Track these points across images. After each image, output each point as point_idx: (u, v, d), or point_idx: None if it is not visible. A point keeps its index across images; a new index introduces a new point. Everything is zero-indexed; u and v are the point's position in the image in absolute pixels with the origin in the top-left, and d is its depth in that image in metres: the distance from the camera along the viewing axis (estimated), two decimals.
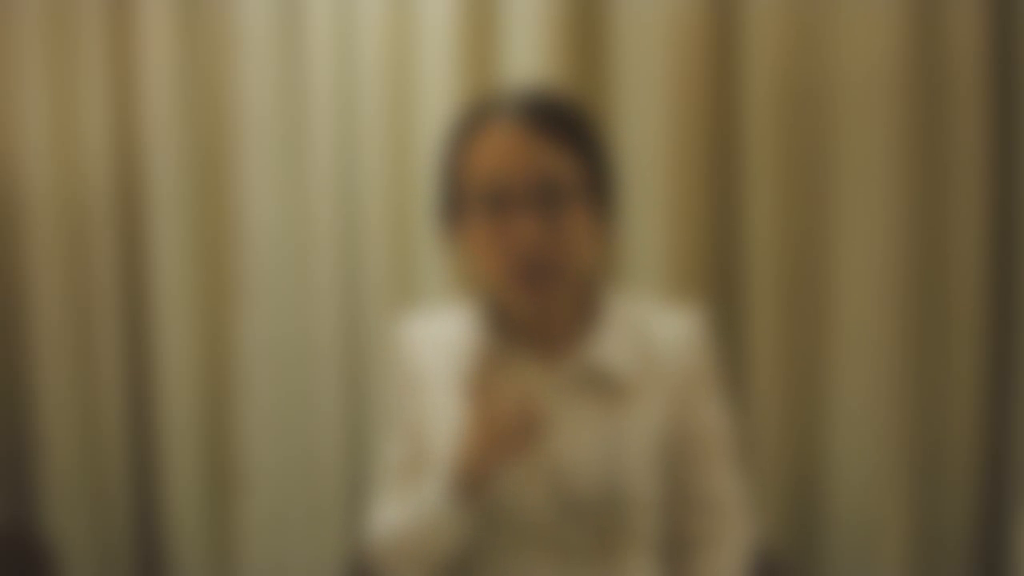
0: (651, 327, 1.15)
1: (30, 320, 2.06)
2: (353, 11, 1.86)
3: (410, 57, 1.82)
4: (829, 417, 1.68)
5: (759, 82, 1.65)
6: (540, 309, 1.11)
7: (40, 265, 2.04)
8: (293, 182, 1.93)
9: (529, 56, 1.72)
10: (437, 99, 1.78)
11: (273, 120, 1.93)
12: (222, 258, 2.01)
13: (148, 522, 2.09)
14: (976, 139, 1.59)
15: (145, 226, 2.02)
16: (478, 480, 1.05)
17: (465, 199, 1.09)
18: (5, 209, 2.06)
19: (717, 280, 1.72)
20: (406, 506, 1.12)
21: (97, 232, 2.03)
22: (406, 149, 1.83)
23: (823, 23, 1.64)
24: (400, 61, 1.82)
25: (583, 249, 1.09)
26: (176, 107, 1.96)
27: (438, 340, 1.17)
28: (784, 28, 1.64)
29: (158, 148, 1.98)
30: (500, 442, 1.04)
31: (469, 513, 1.05)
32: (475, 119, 1.11)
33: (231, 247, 1.99)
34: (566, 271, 1.07)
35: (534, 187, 1.04)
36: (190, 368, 2.01)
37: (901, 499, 1.63)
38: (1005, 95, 1.60)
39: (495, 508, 1.09)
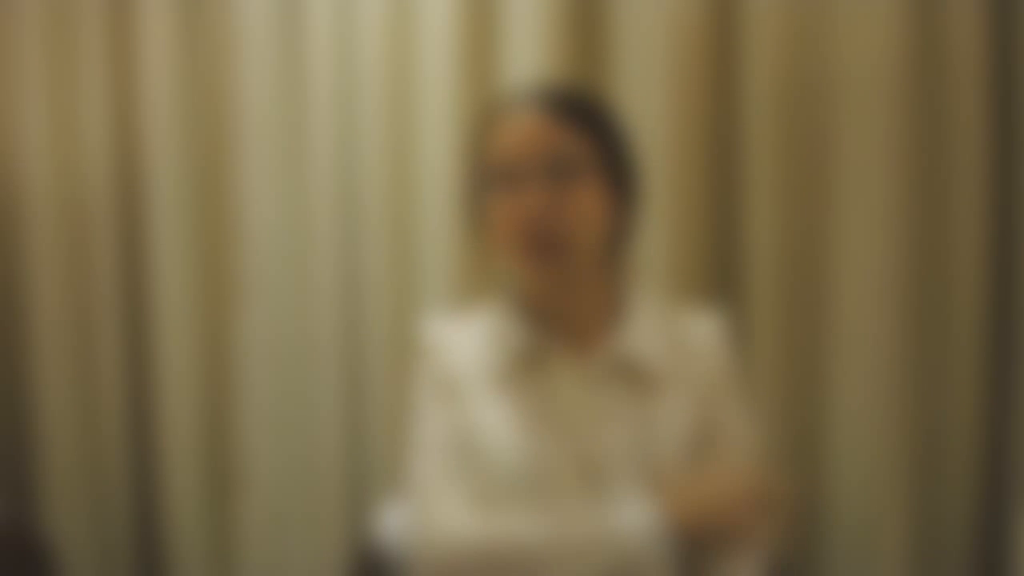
0: (679, 325, 1.18)
1: (30, 320, 2.06)
2: (353, 11, 1.86)
3: (410, 57, 1.82)
4: (829, 417, 1.68)
5: (759, 81, 1.65)
6: (553, 282, 1.13)
7: (40, 265, 2.04)
8: (293, 182, 1.93)
9: (530, 56, 1.72)
10: (437, 99, 1.78)
11: (273, 120, 1.93)
12: (222, 258, 2.01)
13: (148, 522, 2.09)
14: (976, 138, 1.59)
15: (145, 226, 2.02)
16: None
17: (486, 185, 1.14)
18: (5, 209, 2.06)
19: (717, 279, 1.72)
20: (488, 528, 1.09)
21: (97, 232, 2.03)
22: (406, 149, 1.83)
23: (823, 22, 1.64)
24: (400, 61, 1.82)
25: (589, 221, 1.11)
26: (176, 107, 1.97)
27: (469, 343, 1.19)
28: (784, 27, 1.64)
29: (158, 148, 1.98)
30: None
31: None
32: (495, 113, 1.17)
33: (231, 247, 1.99)
34: (571, 239, 1.10)
35: (542, 162, 1.09)
36: (190, 368, 2.02)
37: (901, 499, 1.63)
38: (1005, 95, 1.60)
39: (525, 498, 1.09)
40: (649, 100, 1.68)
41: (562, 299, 1.15)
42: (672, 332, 1.17)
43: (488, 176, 1.13)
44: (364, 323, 1.90)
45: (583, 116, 1.13)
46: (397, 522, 1.32)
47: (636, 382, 1.13)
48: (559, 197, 1.08)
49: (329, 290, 1.90)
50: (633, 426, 1.11)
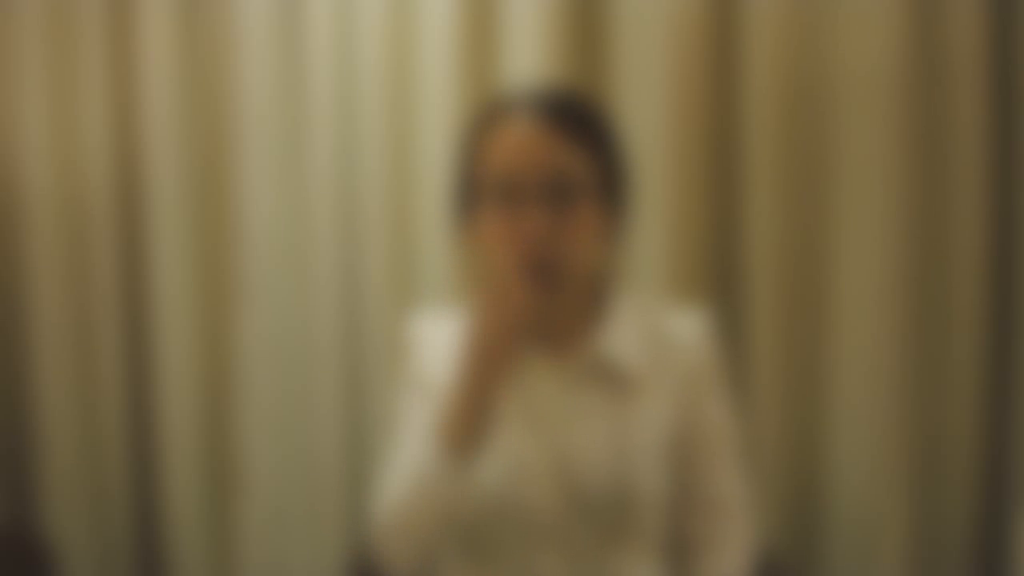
0: (660, 326, 1.17)
1: (30, 320, 2.05)
2: (353, 11, 1.86)
3: (410, 57, 1.82)
4: (829, 417, 1.68)
5: (759, 81, 1.65)
6: (544, 304, 1.10)
7: (40, 265, 2.04)
8: (293, 182, 1.93)
9: (529, 56, 1.72)
10: (437, 99, 1.78)
11: (273, 120, 1.93)
12: (222, 258, 2.01)
13: (148, 522, 2.09)
14: (976, 138, 1.59)
15: (145, 226, 2.02)
16: (465, 431, 1.04)
17: (479, 193, 1.10)
18: (5, 209, 2.06)
19: (717, 280, 1.72)
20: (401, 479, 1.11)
21: (97, 232, 2.03)
22: (406, 149, 1.83)
23: (823, 22, 1.64)
24: (400, 61, 1.82)
25: (590, 246, 1.10)
26: (176, 107, 1.96)
27: (451, 342, 1.17)
28: (784, 27, 1.64)
29: (158, 148, 1.98)
30: (481, 384, 1.04)
31: (459, 470, 1.04)
32: (492, 115, 1.13)
33: (231, 247, 1.99)
34: (572, 268, 1.08)
35: (545, 182, 1.06)
36: (190, 368, 2.01)
37: (901, 499, 1.63)
38: (1005, 95, 1.60)
39: (502, 501, 1.09)
40: (648, 100, 1.68)
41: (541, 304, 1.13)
42: (654, 333, 1.15)
43: (483, 186, 1.09)
44: (364, 323, 1.90)
45: (583, 128, 1.10)
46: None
47: (614, 385, 1.12)
48: (559, 223, 1.05)
49: (329, 290, 1.90)
50: (609, 428, 1.10)
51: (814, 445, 1.69)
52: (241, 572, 2.02)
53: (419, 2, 1.80)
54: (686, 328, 1.17)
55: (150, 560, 2.10)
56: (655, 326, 1.16)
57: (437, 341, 1.19)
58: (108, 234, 2.03)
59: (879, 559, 1.64)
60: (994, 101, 1.60)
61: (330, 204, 1.89)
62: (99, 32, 2.00)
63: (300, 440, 1.95)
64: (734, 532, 1.16)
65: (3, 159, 2.05)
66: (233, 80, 1.96)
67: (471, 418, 1.04)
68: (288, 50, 1.91)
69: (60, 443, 2.06)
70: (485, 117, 1.15)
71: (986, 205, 1.61)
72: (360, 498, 1.91)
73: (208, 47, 1.98)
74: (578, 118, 1.11)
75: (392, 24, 1.82)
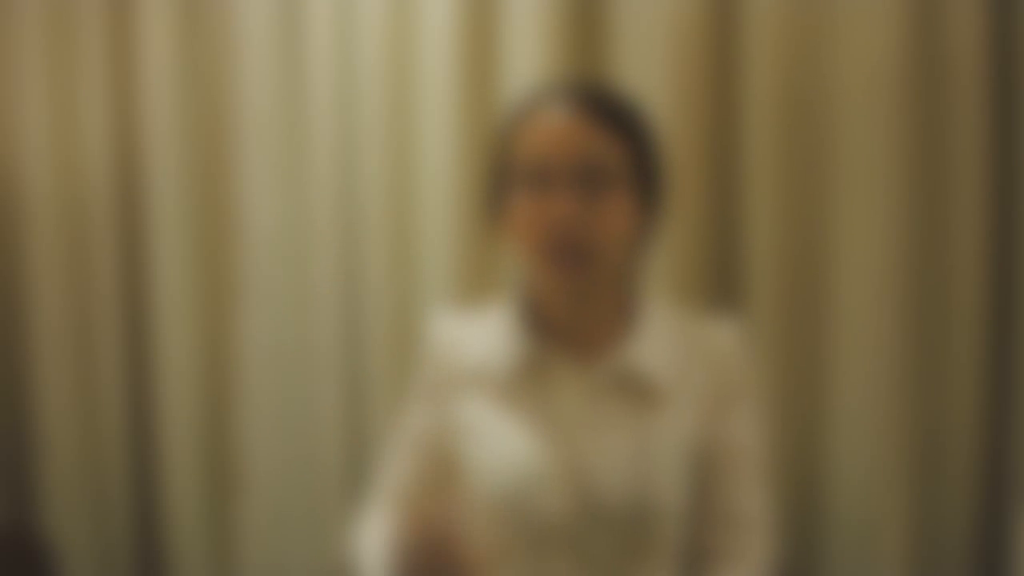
0: (691, 336, 1.15)
1: (30, 321, 2.06)
2: (353, 11, 1.86)
3: (410, 58, 1.82)
4: (829, 417, 1.68)
5: (759, 83, 1.65)
6: (572, 293, 1.11)
7: (40, 266, 2.04)
8: (293, 182, 1.93)
9: (529, 58, 1.72)
10: (437, 100, 1.78)
11: (273, 120, 1.93)
12: (222, 259, 2.01)
13: (148, 522, 2.09)
14: (976, 139, 1.59)
15: (145, 227, 2.02)
16: None
17: (512, 182, 1.11)
18: (5, 209, 2.06)
19: (717, 281, 1.72)
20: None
21: (97, 233, 2.03)
22: (406, 149, 1.83)
23: (823, 24, 1.64)
24: (400, 62, 1.82)
25: (618, 234, 1.09)
26: (176, 107, 1.96)
27: (473, 344, 1.17)
28: (785, 29, 1.64)
29: (158, 148, 1.98)
30: None
31: None
32: (527, 106, 1.14)
33: (231, 248, 1.99)
34: (599, 253, 1.07)
35: (575, 168, 1.06)
36: (190, 369, 2.01)
37: (901, 499, 1.63)
38: (1005, 95, 1.60)
39: (515, 504, 1.09)
40: (648, 101, 1.68)
41: (573, 306, 1.13)
42: (688, 342, 1.14)
43: (515, 173, 1.10)
44: (364, 323, 1.90)
45: (618, 120, 1.10)
46: (365, 536, 1.24)
47: (639, 396, 1.10)
48: (589, 208, 1.05)
49: (329, 291, 1.90)
50: (630, 440, 1.08)
51: (814, 445, 1.69)
52: (241, 572, 2.02)
53: (419, 2, 1.80)
54: (723, 337, 1.16)
55: (150, 560, 2.10)
56: (690, 335, 1.15)
57: (461, 342, 1.19)
58: (108, 234, 2.03)
59: (879, 559, 1.64)
60: (994, 102, 1.60)
61: (330, 205, 1.89)
62: (99, 32, 2.00)
63: (300, 441, 1.95)
64: (752, 547, 1.13)
65: (3, 159, 2.05)
66: (233, 80, 1.96)
67: None
68: (288, 50, 1.91)
69: (60, 444, 2.06)
70: (520, 108, 1.15)
71: (986, 206, 1.60)
72: (360, 498, 1.91)
73: (208, 47, 1.98)
74: (612, 110, 1.11)
75: (392, 25, 1.81)
